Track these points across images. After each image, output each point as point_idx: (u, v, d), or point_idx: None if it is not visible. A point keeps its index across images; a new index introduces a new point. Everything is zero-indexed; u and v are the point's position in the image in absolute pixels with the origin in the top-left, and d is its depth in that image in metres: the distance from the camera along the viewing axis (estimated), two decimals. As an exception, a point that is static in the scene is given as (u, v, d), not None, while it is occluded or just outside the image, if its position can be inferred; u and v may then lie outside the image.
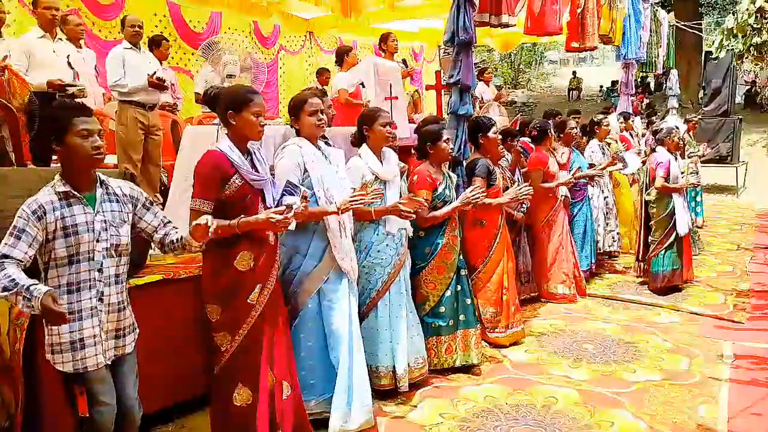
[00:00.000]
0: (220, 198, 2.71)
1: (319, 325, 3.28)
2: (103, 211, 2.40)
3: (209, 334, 2.85)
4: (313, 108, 3.23)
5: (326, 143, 3.50)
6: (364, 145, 3.73)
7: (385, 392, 3.69)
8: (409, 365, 3.74)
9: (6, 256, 2.21)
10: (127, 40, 5.68)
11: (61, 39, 5.20)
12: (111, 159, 5.94)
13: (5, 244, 2.23)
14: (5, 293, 2.15)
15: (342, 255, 3.27)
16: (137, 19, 5.79)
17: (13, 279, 2.14)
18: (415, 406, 3.64)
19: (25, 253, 2.24)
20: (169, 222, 2.66)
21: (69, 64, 5.06)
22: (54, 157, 5.13)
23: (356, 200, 3.15)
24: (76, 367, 2.34)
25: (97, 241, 2.37)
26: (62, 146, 2.33)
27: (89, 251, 2.35)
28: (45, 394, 2.85)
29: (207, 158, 2.74)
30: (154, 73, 5.46)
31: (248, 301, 2.80)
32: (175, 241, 2.57)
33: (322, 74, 8.72)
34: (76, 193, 2.35)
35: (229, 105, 2.77)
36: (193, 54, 8.47)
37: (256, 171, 2.82)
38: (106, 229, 2.40)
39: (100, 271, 2.38)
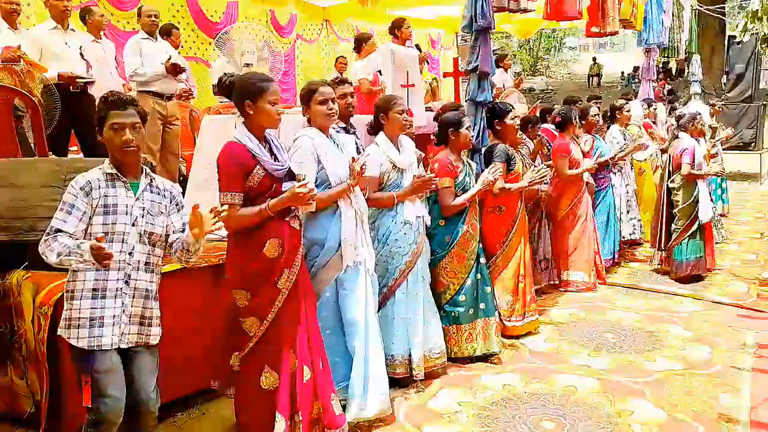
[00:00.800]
0: (245, 189, 2.75)
1: (336, 314, 3.30)
2: (143, 199, 2.50)
3: (236, 319, 2.87)
4: (323, 97, 3.22)
5: (348, 131, 3.51)
6: (381, 133, 3.73)
7: (401, 380, 3.69)
8: (425, 354, 3.73)
9: (59, 231, 2.35)
10: (143, 30, 5.71)
11: (73, 30, 5.22)
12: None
13: (56, 218, 2.38)
14: (60, 257, 2.31)
15: (358, 245, 3.28)
16: (153, 9, 5.82)
17: (64, 245, 2.31)
18: (434, 395, 3.64)
19: (76, 227, 2.37)
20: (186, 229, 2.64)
21: (81, 55, 5.08)
22: (74, 148, 5.20)
23: (358, 170, 3.17)
24: (90, 344, 2.37)
25: (133, 225, 2.45)
26: (103, 138, 2.48)
27: (123, 233, 2.43)
28: (69, 382, 2.89)
29: (227, 151, 2.76)
30: (169, 59, 5.48)
31: (278, 286, 2.85)
32: (183, 245, 2.56)
33: (339, 62, 8.72)
34: (121, 176, 2.47)
35: (245, 94, 2.78)
36: (210, 44, 8.49)
37: (276, 160, 2.83)
38: (143, 216, 2.48)
39: (130, 254, 2.44)
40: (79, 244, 2.29)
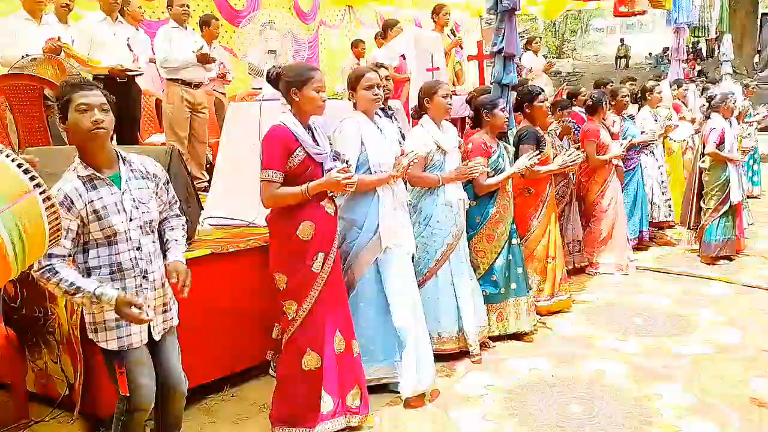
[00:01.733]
0: (285, 170, 2.85)
1: (378, 294, 3.34)
2: (130, 189, 2.33)
3: (278, 302, 2.99)
4: (369, 83, 3.29)
5: (387, 114, 3.56)
6: (425, 116, 3.81)
7: (445, 357, 3.77)
8: (479, 328, 3.87)
9: (50, 256, 2.15)
10: (173, 19, 5.76)
11: (121, 22, 5.33)
12: (159, 137, 6.09)
13: None
14: (70, 297, 2.19)
15: (396, 228, 3.31)
16: (183, -1, 5.86)
17: (73, 283, 2.16)
18: (461, 378, 3.65)
19: (65, 247, 2.21)
20: (177, 202, 2.62)
21: (129, 46, 5.18)
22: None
23: (406, 166, 3.23)
24: (120, 344, 2.34)
25: (130, 220, 2.31)
26: (66, 124, 2.26)
27: (125, 231, 2.30)
28: (102, 366, 2.95)
29: (273, 132, 2.89)
30: (200, 48, 5.54)
31: (313, 270, 2.92)
32: (164, 237, 2.52)
33: (357, 45, 8.63)
34: (99, 174, 2.28)
35: (291, 83, 2.90)
36: (234, 32, 8.52)
37: (317, 145, 2.93)
38: (137, 207, 2.34)
39: (139, 249, 2.34)
40: (97, 292, 2.14)
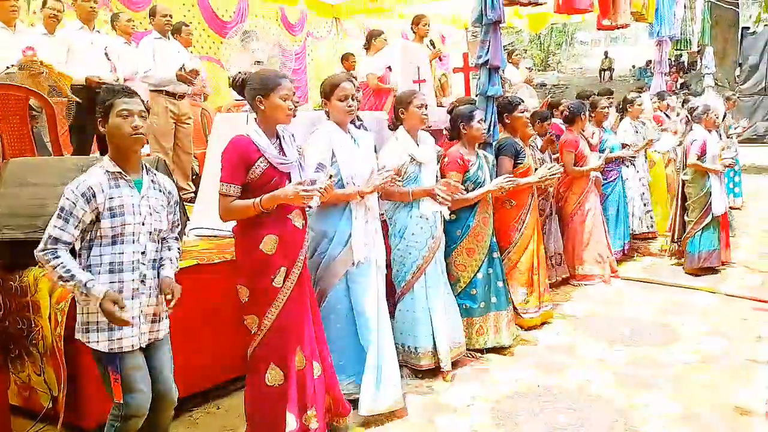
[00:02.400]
0: (246, 182, 2.75)
1: (347, 307, 3.30)
2: (148, 197, 2.46)
3: (241, 315, 2.89)
4: (344, 93, 3.24)
5: (359, 126, 3.51)
6: (401, 128, 3.75)
7: (423, 372, 3.73)
8: (449, 345, 3.77)
9: (57, 240, 2.28)
10: (157, 30, 5.76)
11: (98, 31, 5.31)
12: (144, 148, 6.06)
13: (54, 226, 2.29)
14: (61, 283, 2.28)
15: (366, 240, 3.28)
16: (167, 9, 5.87)
17: (69, 270, 2.26)
18: (447, 388, 3.64)
19: (73, 235, 2.31)
20: (178, 227, 2.69)
21: (106, 55, 5.16)
22: (92, 147, 5.27)
23: (383, 181, 3.19)
24: (111, 347, 2.37)
25: (142, 224, 2.42)
26: (107, 127, 2.40)
27: (134, 233, 2.40)
28: (86, 377, 2.93)
29: (232, 143, 2.77)
30: (182, 66, 5.53)
31: (274, 284, 2.82)
32: (163, 256, 2.57)
33: (347, 59, 8.66)
34: (125, 174, 2.40)
35: (257, 89, 2.80)
36: (222, 42, 8.53)
37: (284, 154, 2.83)
38: (151, 214, 2.45)
39: (143, 253, 2.43)
40: (88, 284, 2.24)
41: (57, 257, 2.26)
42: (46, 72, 4.40)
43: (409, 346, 3.68)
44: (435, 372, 3.76)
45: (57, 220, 2.30)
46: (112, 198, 2.35)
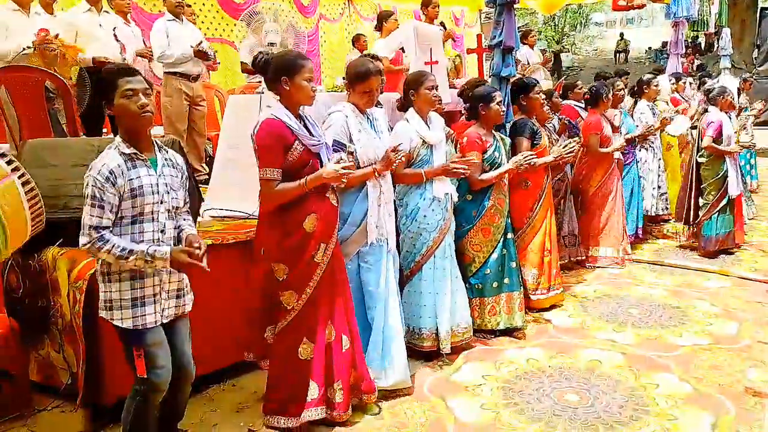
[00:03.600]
0: (284, 165, 2.79)
1: (357, 287, 3.34)
2: (164, 175, 2.48)
3: (275, 293, 2.91)
4: (369, 87, 3.24)
5: (377, 106, 3.52)
6: (411, 109, 3.73)
7: (428, 354, 3.75)
8: (452, 329, 3.76)
9: (98, 228, 2.31)
10: (169, 12, 5.77)
11: (107, 12, 5.32)
12: (158, 130, 6.11)
13: (92, 216, 2.31)
14: (123, 261, 2.33)
15: (381, 223, 3.31)
16: (177, -10, 5.86)
17: (124, 248, 2.31)
18: (459, 368, 3.69)
19: (111, 219, 2.34)
20: (187, 203, 2.70)
21: (115, 36, 5.17)
22: (105, 130, 5.31)
23: (398, 159, 3.22)
24: (135, 323, 2.42)
25: (161, 202, 2.45)
26: (112, 108, 2.40)
27: (153, 212, 2.43)
28: (105, 354, 2.99)
29: (267, 127, 2.78)
30: (200, 43, 5.55)
31: (315, 260, 2.90)
32: (181, 224, 2.62)
33: (359, 40, 8.61)
34: (140, 155, 2.42)
35: (281, 71, 2.81)
36: (235, 25, 8.53)
37: (312, 135, 2.88)
38: (168, 192, 2.48)
39: (162, 231, 2.46)
40: (149, 250, 2.31)
41: (106, 242, 2.30)
42: (58, 47, 4.42)
43: (413, 327, 3.70)
44: (440, 354, 3.78)
45: (92, 209, 2.31)
46: (131, 179, 2.37)
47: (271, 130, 2.77)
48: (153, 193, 2.43)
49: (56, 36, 4.51)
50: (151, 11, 7.92)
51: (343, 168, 2.76)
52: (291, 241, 2.87)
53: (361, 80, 3.25)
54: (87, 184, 2.34)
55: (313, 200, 2.87)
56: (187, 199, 2.70)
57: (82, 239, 2.33)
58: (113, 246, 2.30)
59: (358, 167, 3.20)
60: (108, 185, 2.31)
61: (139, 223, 2.41)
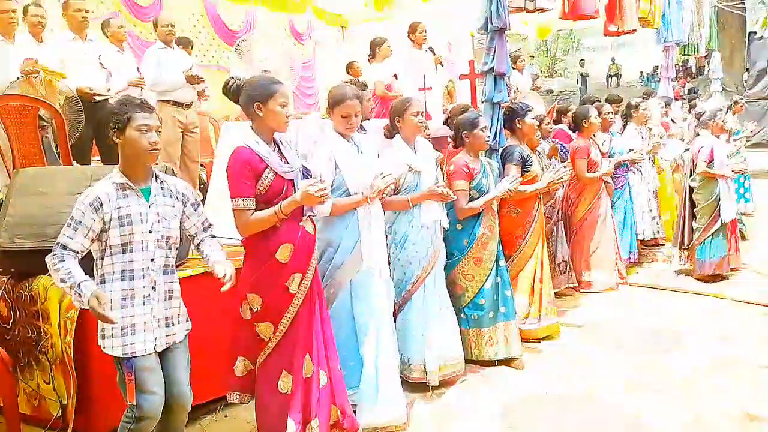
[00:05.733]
0: (256, 194, 2.73)
1: (349, 318, 3.27)
2: (156, 204, 2.50)
3: (251, 324, 2.85)
4: (347, 112, 3.20)
5: (361, 132, 3.51)
6: (397, 136, 3.71)
7: (416, 385, 3.67)
8: (440, 361, 3.67)
9: (65, 247, 2.36)
10: (160, 40, 5.83)
11: (91, 40, 5.32)
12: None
13: (64, 234, 2.37)
14: (62, 284, 2.34)
15: (369, 250, 3.25)
16: (169, 19, 5.99)
17: (69, 272, 2.31)
18: (453, 396, 3.63)
19: (81, 244, 2.37)
20: (210, 227, 2.74)
21: (101, 64, 5.19)
22: (96, 158, 5.30)
23: (386, 185, 3.20)
24: (125, 351, 2.42)
25: (150, 232, 2.46)
26: (122, 138, 2.43)
27: (142, 241, 2.44)
28: (95, 386, 2.94)
29: (235, 156, 2.72)
30: (190, 68, 5.58)
31: (290, 291, 2.82)
32: (204, 253, 2.68)
33: (352, 66, 8.67)
34: (132, 184, 2.45)
35: (255, 96, 2.74)
36: (231, 52, 8.59)
37: (285, 162, 2.81)
38: (159, 221, 2.49)
39: (152, 260, 2.47)
40: (81, 284, 2.28)
41: (62, 261, 2.34)
42: (42, 74, 4.42)
43: (404, 357, 3.61)
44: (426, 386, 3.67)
45: (67, 229, 2.38)
46: (119, 208, 2.40)
47: (239, 158, 2.70)
48: (141, 222, 2.44)
49: (36, 60, 4.50)
50: (147, 39, 7.97)
51: (317, 190, 2.64)
52: (264, 271, 2.79)
53: (338, 104, 3.22)
54: (74, 206, 2.40)
55: (286, 229, 2.78)
56: (208, 222, 2.73)
57: (51, 253, 2.38)
58: (62, 267, 2.32)
59: (348, 194, 3.19)
60: (90, 210, 2.36)
61: (129, 252, 2.42)
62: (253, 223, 2.72)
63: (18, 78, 4.45)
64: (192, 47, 6.93)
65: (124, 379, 2.43)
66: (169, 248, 2.56)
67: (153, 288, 2.48)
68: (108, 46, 5.61)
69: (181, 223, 2.63)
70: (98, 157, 5.31)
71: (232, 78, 2.87)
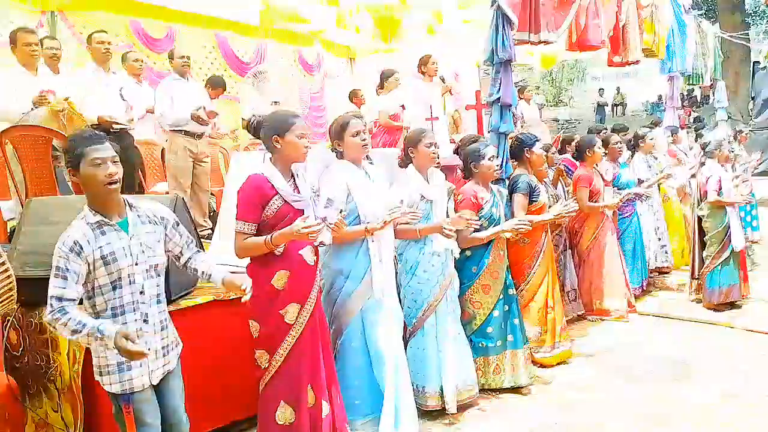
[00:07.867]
0: (262, 219, 2.81)
1: (363, 345, 3.30)
2: (137, 235, 2.43)
3: (251, 349, 2.92)
4: (356, 129, 3.30)
5: (368, 162, 3.56)
6: (411, 166, 3.77)
7: (431, 412, 3.67)
8: (457, 387, 3.70)
9: (61, 299, 2.26)
10: (175, 71, 5.93)
11: (114, 73, 5.45)
12: (163, 186, 6.19)
13: (55, 286, 2.27)
14: (75, 336, 2.25)
15: (378, 278, 3.28)
16: (183, 50, 6.06)
17: (79, 321, 2.23)
18: (464, 426, 3.61)
19: (76, 291, 2.30)
20: (193, 242, 2.72)
21: (121, 96, 5.29)
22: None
23: (395, 217, 3.22)
24: (123, 388, 2.40)
25: (136, 264, 2.40)
26: (78, 176, 2.35)
27: (129, 275, 2.39)
28: (103, 415, 2.94)
29: (248, 182, 2.84)
30: (199, 108, 5.64)
31: (286, 320, 2.85)
32: (199, 271, 2.66)
33: (356, 95, 8.74)
34: (107, 220, 2.37)
35: (273, 130, 2.86)
36: (243, 82, 8.72)
37: (298, 192, 2.89)
38: (143, 252, 2.43)
39: (142, 293, 2.43)
40: (100, 327, 2.20)
41: (65, 314, 2.24)
42: (67, 107, 4.50)
43: (417, 385, 3.62)
44: (444, 412, 3.69)
45: (55, 280, 2.27)
46: (101, 247, 2.33)
47: (251, 184, 2.82)
48: (126, 256, 2.38)
49: (66, 98, 4.58)
50: (160, 70, 8.11)
51: (305, 227, 2.65)
52: (261, 297, 2.81)
53: (345, 126, 3.30)
54: (54, 255, 2.29)
55: (284, 256, 2.84)
56: (191, 239, 2.70)
57: (46, 311, 2.27)
58: (69, 319, 2.23)
59: (359, 221, 3.23)
60: (72, 255, 2.27)
61: (118, 288, 2.37)
62: (245, 246, 2.81)
63: (32, 108, 4.53)
64: (224, 90, 7.04)
65: (121, 411, 2.42)
66: (158, 275, 2.52)
67: (145, 321, 2.44)
68: (128, 78, 5.73)
69: (164, 245, 2.59)
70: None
71: (254, 115, 3.01)
